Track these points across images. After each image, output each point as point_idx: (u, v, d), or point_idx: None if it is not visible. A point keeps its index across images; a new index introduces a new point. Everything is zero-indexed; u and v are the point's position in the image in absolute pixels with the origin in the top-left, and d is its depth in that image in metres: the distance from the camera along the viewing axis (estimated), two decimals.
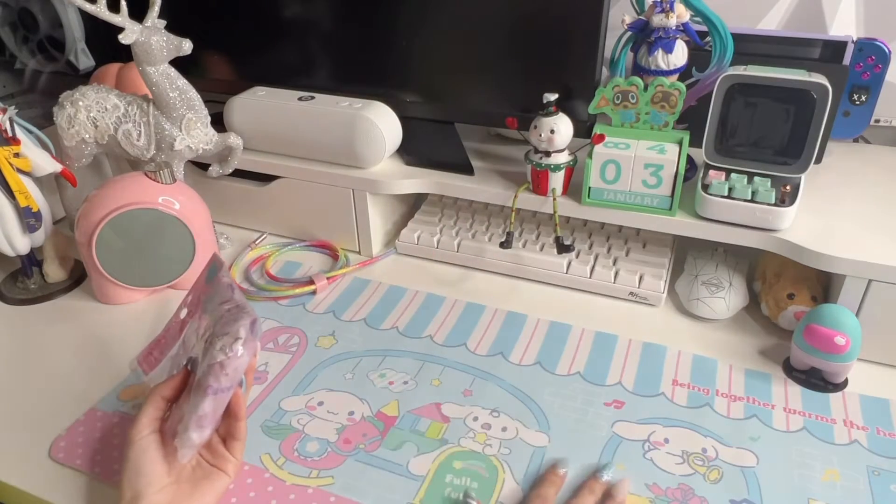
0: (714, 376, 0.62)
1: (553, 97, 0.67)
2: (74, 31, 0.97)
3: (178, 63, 0.72)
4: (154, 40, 0.69)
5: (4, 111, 0.66)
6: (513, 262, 0.77)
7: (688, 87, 0.66)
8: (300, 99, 0.80)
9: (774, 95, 0.62)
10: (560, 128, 0.68)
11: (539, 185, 0.72)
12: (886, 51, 0.72)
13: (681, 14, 0.65)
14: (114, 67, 0.90)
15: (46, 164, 0.70)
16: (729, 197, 0.64)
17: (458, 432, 0.56)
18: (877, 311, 0.61)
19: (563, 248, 0.69)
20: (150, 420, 0.48)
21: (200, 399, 0.45)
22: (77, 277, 0.78)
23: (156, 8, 0.69)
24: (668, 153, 0.66)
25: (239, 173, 0.84)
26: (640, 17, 0.68)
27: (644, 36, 0.68)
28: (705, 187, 0.65)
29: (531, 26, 0.72)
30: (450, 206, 0.86)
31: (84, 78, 0.95)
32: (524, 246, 0.77)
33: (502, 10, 0.72)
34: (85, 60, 1.00)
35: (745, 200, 0.63)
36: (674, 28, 0.66)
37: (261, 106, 0.81)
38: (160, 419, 0.49)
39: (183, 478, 0.47)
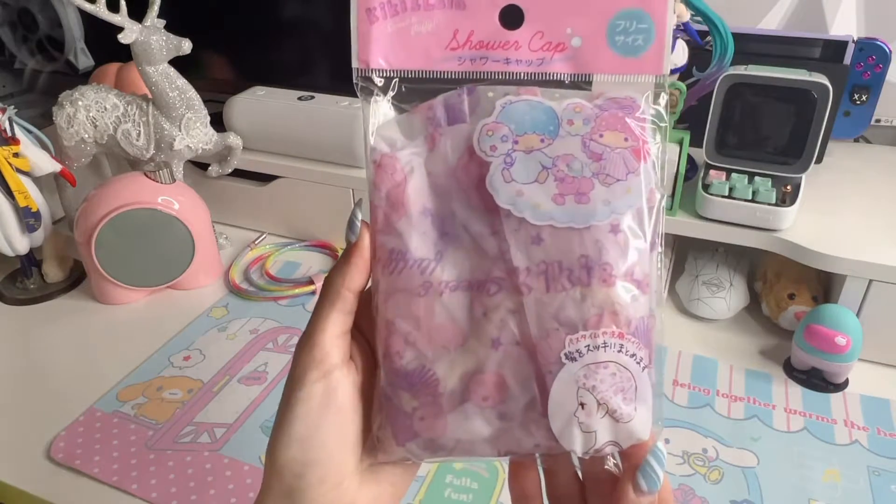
0: (714, 376, 0.62)
1: None
2: (74, 30, 0.97)
3: (178, 63, 0.72)
4: (153, 40, 0.69)
5: (4, 111, 0.66)
6: None
7: (688, 86, 0.66)
8: (300, 99, 0.80)
9: (775, 95, 0.62)
10: None
11: None
12: (887, 50, 0.72)
13: (681, 13, 0.65)
14: (113, 67, 0.90)
15: (46, 163, 0.70)
16: (729, 197, 0.64)
17: None
18: (877, 312, 0.61)
19: None
20: (333, 339, 0.27)
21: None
22: (76, 277, 0.78)
23: (155, 7, 0.69)
24: (668, 153, 0.65)
25: (238, 173, 0.83)
26: None
27: None
28: (706, 187, 0.65)
29: None
30: None
31: (83, 78, 0.95)
32: None
33: None
34: (84, 60, 1.00)
35: (746, 200, 0.63)
36: (674, 27, 0.66)
37: (261, 106, 0.81)
38: (348, 340, 0.28)
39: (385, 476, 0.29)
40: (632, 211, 0.25)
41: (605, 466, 0.28)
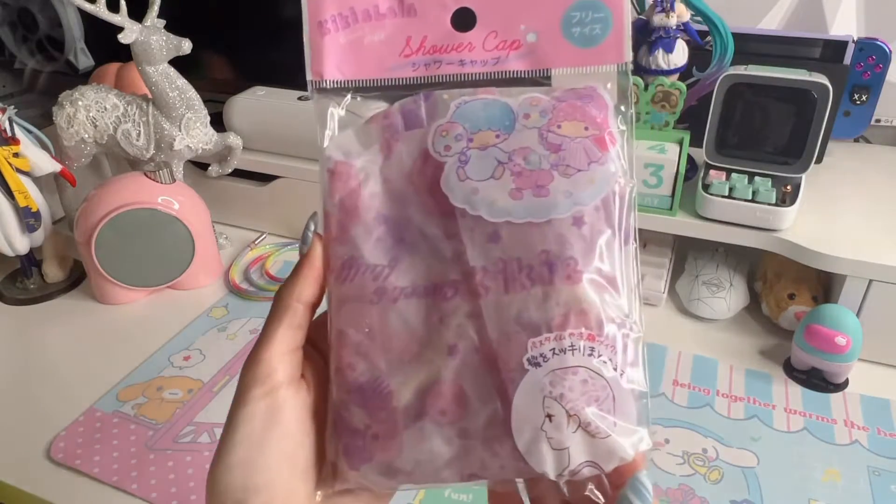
0: (714, 376, 0.62)
1: None
2: (74, 30, 0.97)
3: (178, 63, 0.72)
4: (153, 40, 0.69)
5: (4, 111, 0.66)
6: None
7: (688, 86, 0.66)
8: (300, 99, 0.80)
9: (775, 95, 0.62)
10: None
11: None
12: (887, 50, 0.72)
13: (681, 13, 0.65)
14: (113, 67, 0.90)
15: (46, 163, 0.70)
16: (729, 197, 0.64)
17: None
18: (877, 311, 0.61)
19: None
20: (280, 355, 0.25)
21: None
22: (76, 277, 0.78)
23: (155, 7, 0.69)
24: (668, 153, 0.65)
25: (238, 173, 0.83)
26: (641, 16, 0.68)
27: (644, 35, 0.68)
28: (706, 187, 0.65)
29: None
30: None
31: (83, 78, 0.95)
32: None
33: None
34: (84, 60, 0.99)
35: (746, 200, 0.63)
36: (674, 27, 0.66)
37: (261, 106, 0.81)
38: (298, 357, 0.26)
39: None
40: (597, 202, 0.24)
41: (586, 493, 0.24)
